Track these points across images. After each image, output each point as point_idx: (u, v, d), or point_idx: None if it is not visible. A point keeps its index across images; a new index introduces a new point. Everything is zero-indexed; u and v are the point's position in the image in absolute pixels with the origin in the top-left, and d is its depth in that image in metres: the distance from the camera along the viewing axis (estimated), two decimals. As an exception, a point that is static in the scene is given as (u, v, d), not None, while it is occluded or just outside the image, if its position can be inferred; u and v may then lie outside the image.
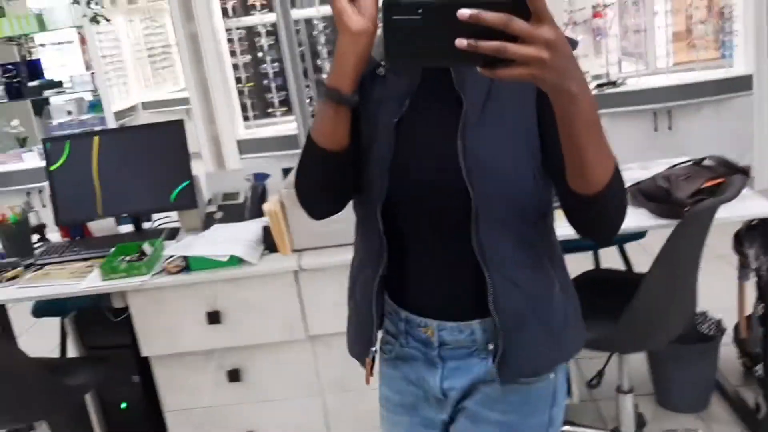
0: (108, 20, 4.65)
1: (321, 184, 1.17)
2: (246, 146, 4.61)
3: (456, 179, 1.06)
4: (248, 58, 4.58)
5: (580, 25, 4.59)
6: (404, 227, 1.15)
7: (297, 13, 4.26)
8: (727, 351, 2.66)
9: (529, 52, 0.79)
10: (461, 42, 0.79)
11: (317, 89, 0.98)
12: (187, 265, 2.20)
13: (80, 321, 2.57)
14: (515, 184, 1.08)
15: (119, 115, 5.25)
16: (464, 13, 0.78)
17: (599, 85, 4.49)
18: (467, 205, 1.07)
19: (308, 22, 4.42)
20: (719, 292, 2.47)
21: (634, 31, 4.75)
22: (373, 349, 1.22)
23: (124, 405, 2.58)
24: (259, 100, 4.73)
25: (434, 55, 0.84)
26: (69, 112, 4.95)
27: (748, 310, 2.56)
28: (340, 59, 1.02)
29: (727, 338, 2.61)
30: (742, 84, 4.46)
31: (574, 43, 0.97)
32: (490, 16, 0.78)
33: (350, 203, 1.23)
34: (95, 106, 5.00)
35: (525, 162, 1.07)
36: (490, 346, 1.16)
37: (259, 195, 2.54)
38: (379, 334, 1.26)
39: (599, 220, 1.05)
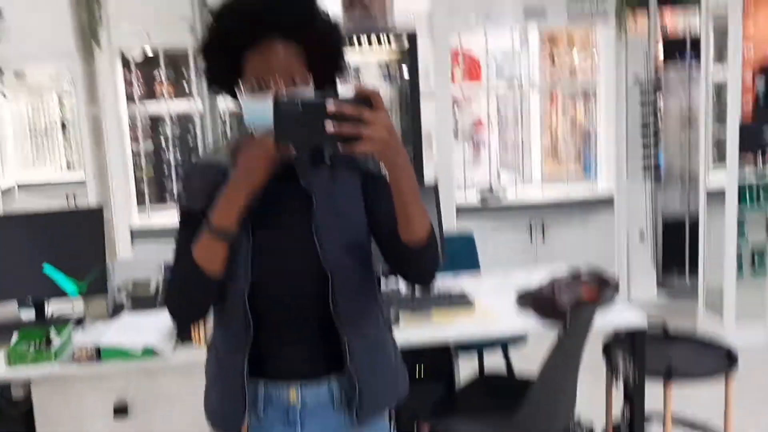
0: (5, 96, 4.56)
1: (196, 299, 1.36)
2: (140, 234, 4.59)
3: (313, 260, 1.33)
4: (150, 145, 4.62)
5: (467, 134, 5.02)
6: (265, 306, 1.36)
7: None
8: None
9: (375, 133, 1.15)
10: (329, 127, 1.13)
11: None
12: (99, 354, 2.21)
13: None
14: (361, 260, 1.38)
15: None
16: (331, 106, 1.13)
17: (483, 195, 4.88)
18: (323, 279, 1.33)
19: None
20: (586, 399, 2.74)
21: (512, 145, 5.24)
22: (248, 413, 1.40)
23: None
24: (156, 188, 4.75)
25: (310, 137, 1.17)
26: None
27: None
28: (232, 197, 1.27)
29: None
30: (605, 202, 5.02)
31: None
32: (348, 108, 1.14)
33: None
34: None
35: (363, 242, 1.38)
36: (345, 398, 1.39)
37: (171, 286, 2.59)
38: None
39: (422, 265, 1.38)
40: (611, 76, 4.96)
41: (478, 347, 3.29)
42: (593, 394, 3.15)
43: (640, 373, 2.36)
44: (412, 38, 4.53)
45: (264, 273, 1.34)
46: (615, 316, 2.41)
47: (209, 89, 1.43)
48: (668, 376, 2.61)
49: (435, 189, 2.87)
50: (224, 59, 1.34)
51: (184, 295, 1.36)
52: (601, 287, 2.49)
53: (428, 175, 4.71)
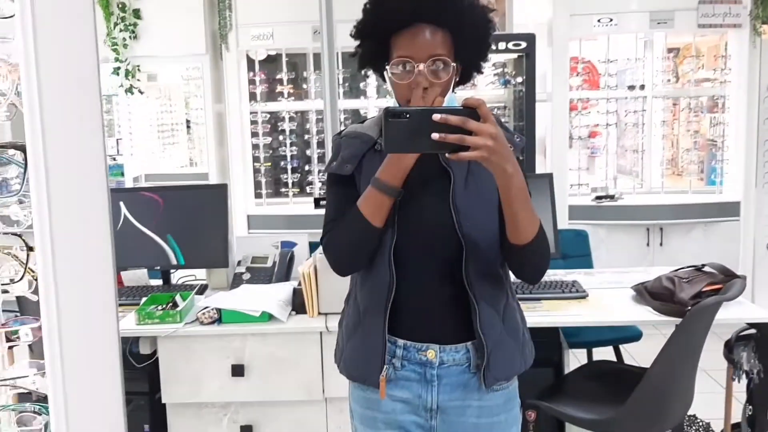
0: (141, 92, 4.90)
1: (360, 248, 1.44)
2: (255, 221, 4.81)
3: (450, 231, 1.40)
4: (269, 140, 4.82)
5: (582, 141, 4.91)
6: (406, 270, 1.43)
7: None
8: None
9: (479, 141, 1.19)
10: (435, 135, 1.19)
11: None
12: (220, 317, 2.33)
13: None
14: (492, 234, 1.43)
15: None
16: (437, 116, 1.18)
17: (598, 197, 4.76)
18: (458, 250, 1.40)
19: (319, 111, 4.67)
20: (702, 402, 2.60)
21: (632, 151, 5.07)
22: (386, 366, 1.46)
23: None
24: (273, 179, 4.94)
25: (417, 145, 1.24)
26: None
27: (733, 414, 2.71)
28: (398, 163, 1.35)
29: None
30: (730, 209, 4.76)
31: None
32: (453, 118, 1.19)
33: None
34: (113, 170, 5.19)
35: (495, 218, 1.42)
36: (479, 362, 1.44)
37: (287, 261, 2.70)
38: None
39: (530, 264, 1.44)
40: (743, 84, 4.72)
41: (588, 344, 3.20)
42: (713, 394, 2.99)
43: (765, 368, 2.22)
44: (531, 42, 4.49)
45: (407, 232, 1.42)
46: (739, 310, 2.29)
47: (359, 69, 1.51)
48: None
49: (549, 178, 2.84)
50: (374, 42, 1.42)
51: (351, 245, 1.44)
52: (725, 283, 2.37)
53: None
